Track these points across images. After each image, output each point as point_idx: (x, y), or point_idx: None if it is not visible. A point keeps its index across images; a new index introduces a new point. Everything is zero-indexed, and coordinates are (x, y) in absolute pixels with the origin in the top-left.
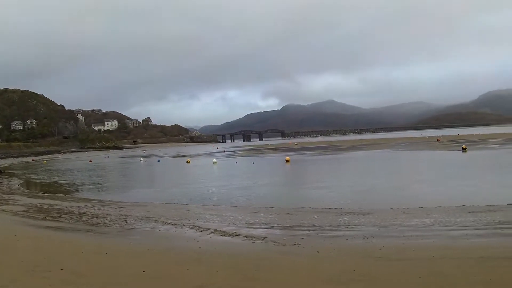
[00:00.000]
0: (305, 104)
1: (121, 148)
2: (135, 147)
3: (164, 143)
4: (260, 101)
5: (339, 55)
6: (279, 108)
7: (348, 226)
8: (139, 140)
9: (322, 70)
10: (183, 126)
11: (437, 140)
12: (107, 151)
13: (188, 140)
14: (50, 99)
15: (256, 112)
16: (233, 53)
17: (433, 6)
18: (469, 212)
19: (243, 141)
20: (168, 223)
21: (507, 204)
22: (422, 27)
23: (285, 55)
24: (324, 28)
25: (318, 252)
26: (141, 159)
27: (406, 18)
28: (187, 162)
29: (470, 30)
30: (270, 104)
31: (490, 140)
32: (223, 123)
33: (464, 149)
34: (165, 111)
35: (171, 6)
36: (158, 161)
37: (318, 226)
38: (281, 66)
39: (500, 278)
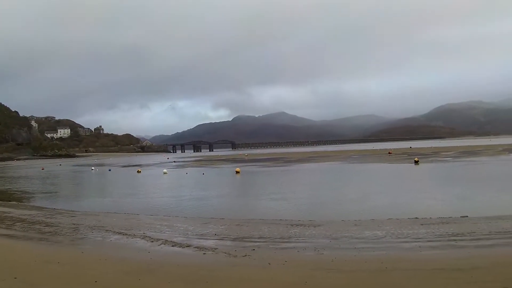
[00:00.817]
0: (256, 116)
1: (73, 156)
2: (87, 156)
3: (116, 152)
4: (211, 112)
5: (290, 67)
6: (230, 119)
7: (299, 238)
8: (91, 149)
9: (273, 82)
10: (134, 136)
11: (389, 153)
12: (59, 159)
13: (139, 149)
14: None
15: (206, 122)
16: (183, 63)
17: (384, 20)
18: (422, 224)
19: (194, 151)
20: (119, 233)
21: (461, 217)
22: (373, 41)
23: (236, 66)
24: (275, 40)
25: (269, 263)
26: (93, 168)
27: (357, 31)
28: (138, 172)
29: (422, 44)
30: (221, 115)
31: (443, 153)
32: (174, 133)
33: (416, 162)
34: (116, 120)
35: (124, 14)
36: (109, 170)
37: (268, 237)
38: (231, 77)
39: None
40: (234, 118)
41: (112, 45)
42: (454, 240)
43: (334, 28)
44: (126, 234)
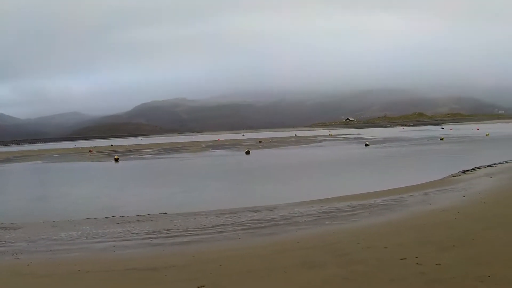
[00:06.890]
0: None
1: None
2: None
3: None
4: None
5: None
6: None
7: None
8: None
9: None
10: None
11: (90, 151)
12: None
13: None
14: None
15: None
16: None
17: (80, 20)
18: (118, 223)
19: None
20: None
21: (159, 214)
22: (69, 41)
23: None
24: None
25: None
26: None
27: (58, 29)
28: None
29: (124, 43)
30: None
31: (144, 150)
32: None
33: (116, 160)
34: None
35: None
36: None
37: None
38: None
39: None
40: None
41: None
42: (150, 238)
43: (32, 27)
44: None
